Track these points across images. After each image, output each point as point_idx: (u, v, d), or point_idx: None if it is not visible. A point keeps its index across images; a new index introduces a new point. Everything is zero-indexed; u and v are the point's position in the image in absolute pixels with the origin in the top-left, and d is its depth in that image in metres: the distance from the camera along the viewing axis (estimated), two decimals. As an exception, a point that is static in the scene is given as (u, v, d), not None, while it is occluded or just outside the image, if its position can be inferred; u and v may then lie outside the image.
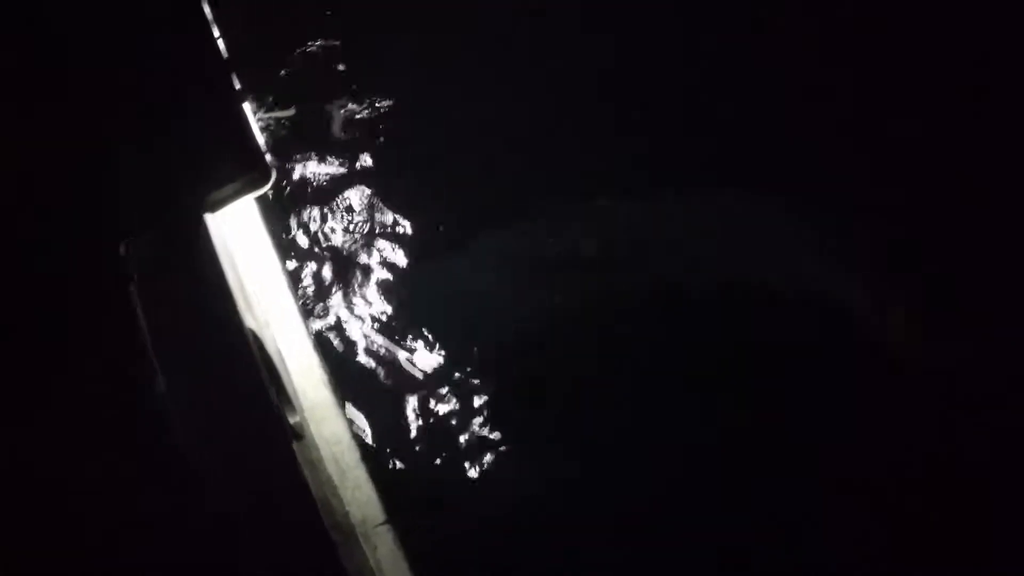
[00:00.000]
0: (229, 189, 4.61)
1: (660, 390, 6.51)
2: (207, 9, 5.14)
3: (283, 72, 7.50)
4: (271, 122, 5.79)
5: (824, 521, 6.08)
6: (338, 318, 6.79)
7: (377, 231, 7.11)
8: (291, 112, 6.56)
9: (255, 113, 4.81)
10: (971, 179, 7.08)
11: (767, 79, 7.62)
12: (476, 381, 6.62)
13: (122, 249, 3.55)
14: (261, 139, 4.76)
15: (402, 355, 6.70)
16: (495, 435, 6.46)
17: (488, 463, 6.34)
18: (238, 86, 4.88)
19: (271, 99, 6.95)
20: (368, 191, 7.29)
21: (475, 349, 6.75)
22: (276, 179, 4.71)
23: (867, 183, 7.14)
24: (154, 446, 3.12)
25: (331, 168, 7.29)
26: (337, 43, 7.72)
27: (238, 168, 4.57)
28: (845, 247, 7.05)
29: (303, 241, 7.02)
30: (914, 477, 6.19)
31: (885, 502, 6.16)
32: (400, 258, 7.06)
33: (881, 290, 6.91)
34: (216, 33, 5.07)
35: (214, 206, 4.57)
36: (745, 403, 6.43)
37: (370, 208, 7.21)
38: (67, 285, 3.48)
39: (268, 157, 4.69)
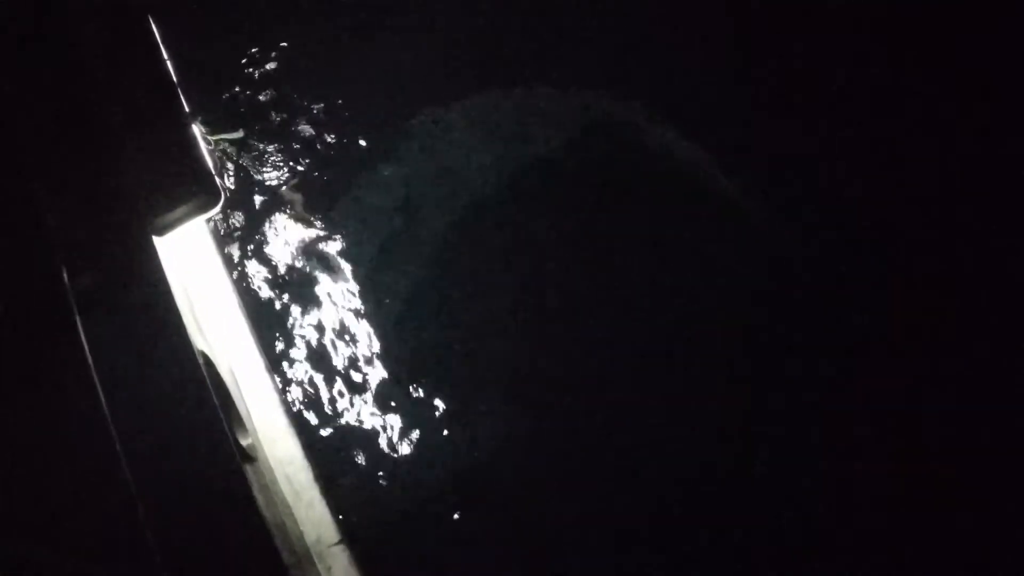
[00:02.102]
0: (179, 211, 4.62)
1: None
2: (155, 31, 5.14)
3: (230, 92, 7.51)
4: (220, 143, 5.78)
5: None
6: (292, 338, 6.77)
7: (328, 249, 7.12)
8: (239, 133, 6.56)
9: (203, 135, 4.82)
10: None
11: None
12: (428, 396, 6.64)
13: (64, 275, 3.53)
14: (210, 161, 4.76)
15: (354, 371, 6.70)
16: (450, 449, 6.49)
17: (445, 479, 6.36)
18: (186, 108, 4.89)
19: (219, 120, 6.97)
20: (318, 207, 7.30)
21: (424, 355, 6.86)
22: (226, 200, 4.72)
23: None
24: (99, 472, 3.11)
25: (280, 187, 7.30)
26: (284, 62, 7.76)
27: (187, 190, 4.58)
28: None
29: (255, 261, 7.00)
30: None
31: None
32: (351, 276, 7.07)
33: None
34: (164, 55, 5.07)
35: (163, 229, 4.57)
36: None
37: (321, 224, 7.21)
38: (8, 313, 3.45)
39: (217, 179, 4.70)
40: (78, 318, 3.33)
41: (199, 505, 3.28)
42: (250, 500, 3.42)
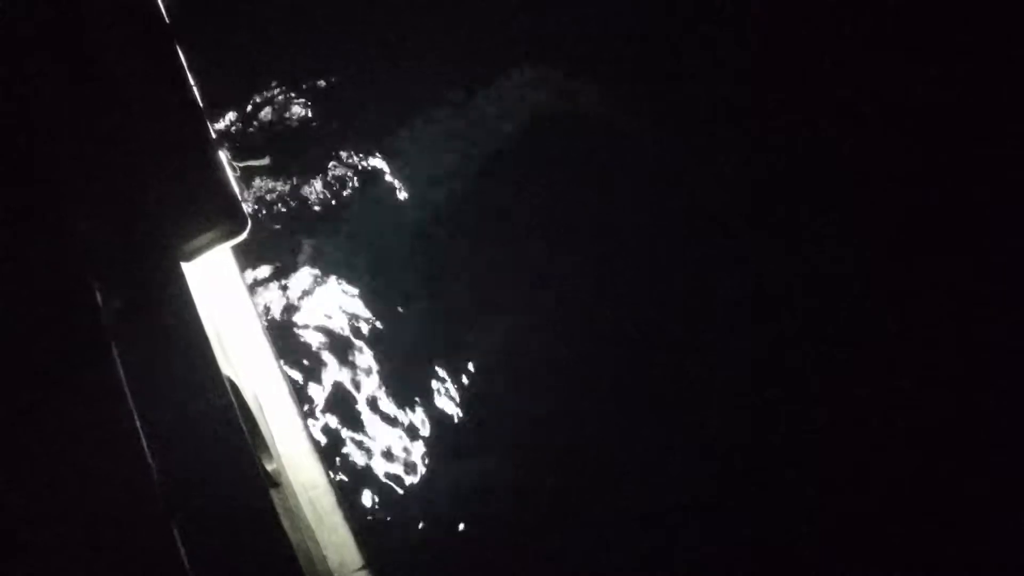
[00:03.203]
0: (205, 238, 4.64)
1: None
2: (182, 58, 5.20)
3: (257, 120, 7.62)
4: (247, 170, 5.85)
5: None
6: (315, 365, 6.80)
7: (351, 273, 7.16)
8: (266, 160, 6.62)
9: (230, 161, 4.88)
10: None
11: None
12: (447, 426, 6.67)
13: (99, 298, 3.57)
14: (236, 188, 4.80)
15: (376, 399, 6.72)
16: (470, 478, 6.49)
17: (466, 503, 6.36)
18: (213, 135, 4.94)
19: (246, 147, 7.07)
20: (342, 232, 7.36)
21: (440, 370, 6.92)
22: (251, 227, 4.75)
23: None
24: (133, 491, 3.14)
25: (305, 213, 7.36)
26: (309, 90, 7.89)
27: (215, 217, 4.62)
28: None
29: (278, 287, 7.05)
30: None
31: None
32: (373, 300, 7.11)
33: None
34: (191, 83, 5.13)
35: (191, 255, 4.60)
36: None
37: (344, 248, 7.26)
38: (45, 335, 3.49)
39: (243, 205, 4.73)
40: (112, 340, 3.37)
41: (228, 527, 3.29)
42: (277, 524, 3.43)
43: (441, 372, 6.87)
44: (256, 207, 7.15)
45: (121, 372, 3.28)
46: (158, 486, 3.09)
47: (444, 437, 6.64)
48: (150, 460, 3.11)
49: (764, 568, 6.29)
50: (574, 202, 7.57)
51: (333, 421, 6.59)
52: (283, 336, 6.77)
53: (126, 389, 3.24)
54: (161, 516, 3.06)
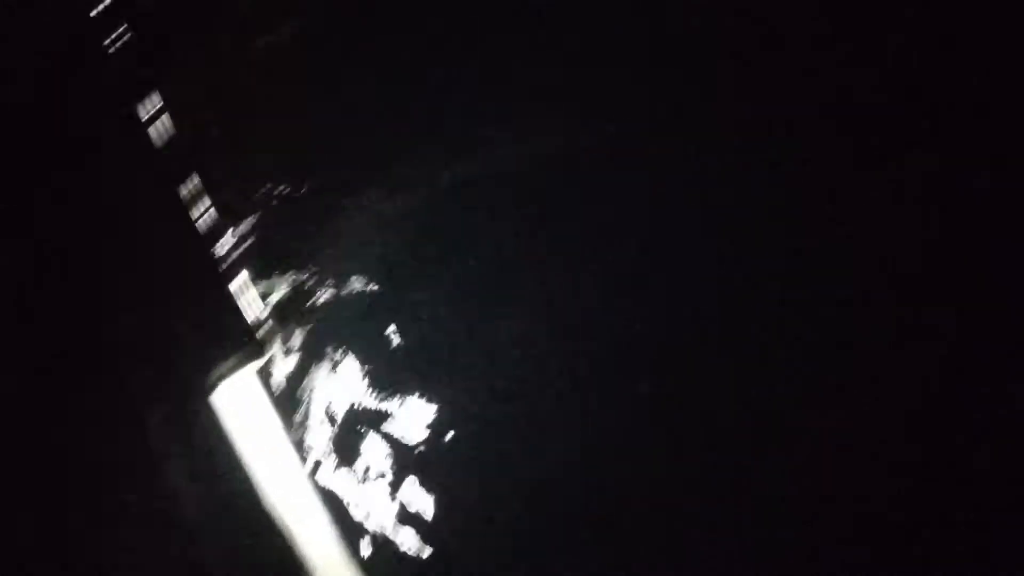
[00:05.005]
0: (227, 365, 4.84)
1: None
2: (199, 185, 5.43)
3: (278, 238, 7.67)
4: (268, 293, 6.00)
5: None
6: (342, 476, 6.86)
7: (374, 390, 7.22)
8: (284, 281, 6.76)
9: (253, 283, 5.05)
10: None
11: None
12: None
13: (152, 419, 3.76)
14: (256, 312, 4.97)
15: (404, 500, 6.76)
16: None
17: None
18: (231, 257, 5.13)
19: (266, 269, 7.18)
20: (367, 351, 7.43)
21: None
22: (272, 350, 4.91)
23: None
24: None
25: (326, 336, 7.43)
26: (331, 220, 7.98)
27: (233, 347, 4.82)
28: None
29: (302, 401, 7.14)
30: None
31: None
32: (401, 414, 7.14)
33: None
34: (206, 206, 5.34)
35: (217, 380, 4.80)
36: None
37: (367, 365, 7.34)
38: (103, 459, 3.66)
39: (262, 330, 4.91)
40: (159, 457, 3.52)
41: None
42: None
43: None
44: (276, 328, 7.26)
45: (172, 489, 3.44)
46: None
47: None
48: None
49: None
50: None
51: (368, 528, 6.62)
52: (310, 447, 6.85)
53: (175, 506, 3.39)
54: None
